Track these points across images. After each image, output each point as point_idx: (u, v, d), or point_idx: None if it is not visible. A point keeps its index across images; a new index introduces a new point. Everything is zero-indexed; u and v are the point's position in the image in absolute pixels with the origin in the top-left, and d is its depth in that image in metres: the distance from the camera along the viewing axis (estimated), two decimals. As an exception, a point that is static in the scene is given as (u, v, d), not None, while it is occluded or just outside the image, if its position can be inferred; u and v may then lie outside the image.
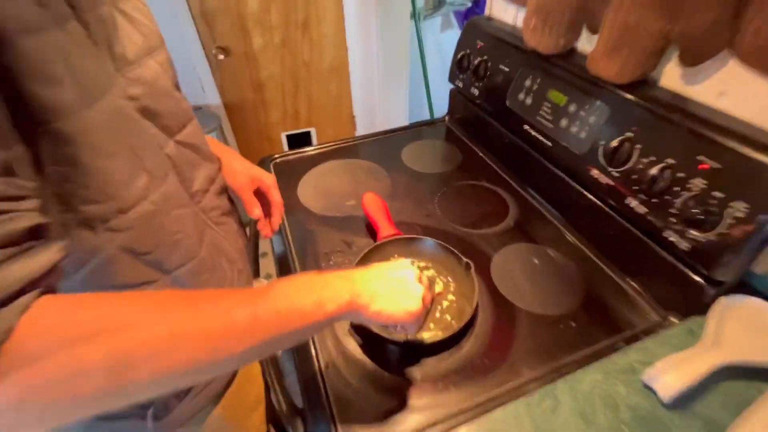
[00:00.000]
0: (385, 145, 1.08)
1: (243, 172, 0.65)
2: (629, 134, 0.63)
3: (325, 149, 1.05)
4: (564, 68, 0.76)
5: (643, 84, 0.65)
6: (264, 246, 0.91)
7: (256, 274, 0.82)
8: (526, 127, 0.83)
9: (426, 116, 1.92)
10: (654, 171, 0.58)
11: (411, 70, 1.88)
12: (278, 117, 2.17)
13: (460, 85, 1.05)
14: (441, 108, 1.20)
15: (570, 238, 0.77)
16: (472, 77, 0.99)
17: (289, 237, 0.80)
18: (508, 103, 0.88)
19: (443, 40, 2.09)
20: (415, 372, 0.57)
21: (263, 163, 0.99)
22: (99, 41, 0.34)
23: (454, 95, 1.15)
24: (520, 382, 0.55)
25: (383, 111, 1.87)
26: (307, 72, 2.04)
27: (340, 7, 1.90)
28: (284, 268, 0.74)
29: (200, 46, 1.82)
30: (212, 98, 1.97)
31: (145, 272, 0.40)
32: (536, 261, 0.73)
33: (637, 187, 0.62)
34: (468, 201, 0.88)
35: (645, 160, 0.60)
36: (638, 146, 0.61)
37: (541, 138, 0.80)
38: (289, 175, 0.96)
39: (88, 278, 0.36)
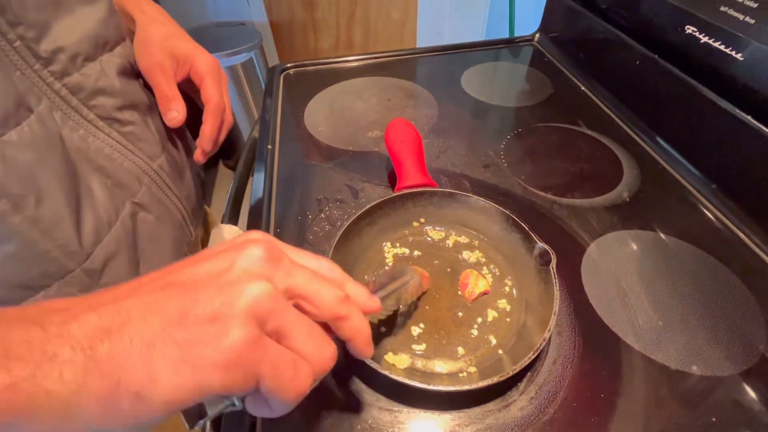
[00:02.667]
0: (441, 65, 0.77)
1: (159, 45, 0.38)
2: None
3: (356, 62, 0.77)
4: None
5: None
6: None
7: (234, 218, 0.59)
8: (690, 30, 0.47)
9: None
10: None
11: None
12: (330, 44, 1.88)
13: (569, -24, 0.69)
14: (527, 28, 0.85)
15: (741, 236, 0.44)
16: (593, -43, 0.62)
17: (275, 171, 0.55)
18: (656, -10, 0.52)
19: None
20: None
21: (272, 75, 0.74)
22: None
23: (552, 2, 0.78)
24: None
25: (454, 37, 1.51)
26: (366, -11, 1.70)
27: None
28: (255, 214, 0.49)
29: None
30: (257, 13, 1.73)
31: None
32: (667, 264, 0.42)
33: None
34: (554, 152, 0.56)
35: None
36: None
37: (721, 48, 0.44)
38: (301, 92, 0.69)
39: None
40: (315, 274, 0.21)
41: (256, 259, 0.19)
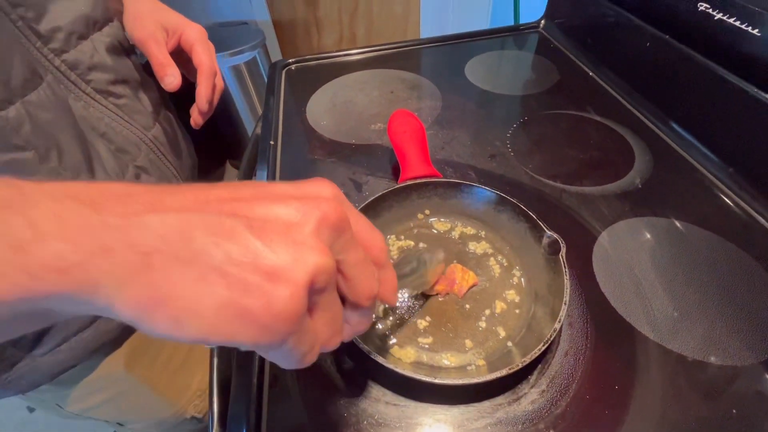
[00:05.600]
0: (445, 56, 0.75)
1: (150, 17, 0.42)
2: None
3: (358, 55, 0.76)
4: None
5: None
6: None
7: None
8: (702, 6, 0.45)
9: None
10: None
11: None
12: (333, 40, 1.87)
13: (575, -42, 0.67)
14: (532, 15, 0.83)
15: (761, 220, 0.42)
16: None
17: (278, 167, 0.54)
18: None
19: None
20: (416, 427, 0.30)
21: (274, 70, 0.73)
22: None
23: (558, -13, 0.76)
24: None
25: (458, 28, 1.48)
26: (370, -18, 1.69)
27: None
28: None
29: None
30: (259, 13, 1.72)
31: None
32: (682, 252, 0.40)
33: None
34: (562, 140, 0.55)
35: None
36: None
37: (737, 24, 0.42)
38: (303, 87, 0.69)
39: None
40: (364, 258, 0.20)
41: (326, 226, 0.18)
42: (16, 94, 0.31)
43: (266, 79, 0.74)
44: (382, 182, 0.50)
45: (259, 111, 1.71)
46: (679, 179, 0.48)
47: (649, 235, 0.42)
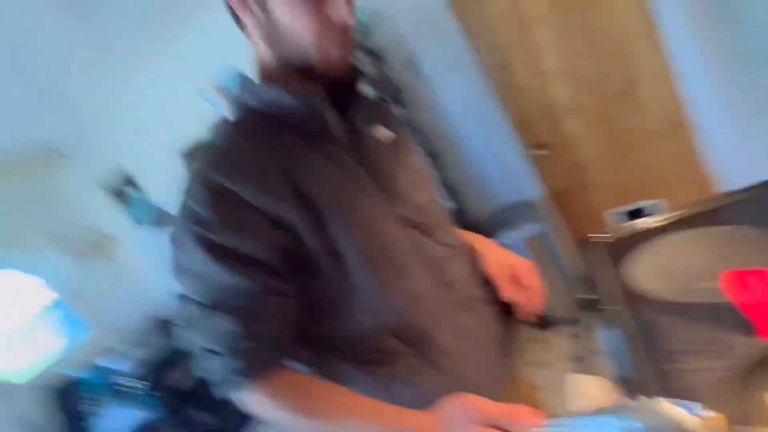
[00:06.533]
0: (763, 201, 0.78)
1: (497, 260, 0.70)
2: None
3: (658, 222, 0.88)
4: None
5: None
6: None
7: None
8: None
9: None
10: None
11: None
12: (603, 197, 1.98)
13: None
14: None
15: None
16: None
17: (623, 329, 0.69)
18: None
19: None
20: None
21: (584, 246, 0.94)
22: (384, 186, 0.59)
23: None
24: None
25: (756, 154, 1.35)
26: (632, 139, 1.82)
27: (662, 57, 1.64)
28: (621, 375, 0.63)
29: (520, 149, 2.02)
30: (534, 192, 2.09)
31: (393, 346, 0.57)
32: None
33: None
34: None
35: None
36: None
37: None
38: (620, 255, 0.85)
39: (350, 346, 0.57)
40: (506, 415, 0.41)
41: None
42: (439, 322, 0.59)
43: (554, 246, 0.92)
44: (737, 339, 0.56)
45: (551, 272, 1.90)
46: None
47: None
